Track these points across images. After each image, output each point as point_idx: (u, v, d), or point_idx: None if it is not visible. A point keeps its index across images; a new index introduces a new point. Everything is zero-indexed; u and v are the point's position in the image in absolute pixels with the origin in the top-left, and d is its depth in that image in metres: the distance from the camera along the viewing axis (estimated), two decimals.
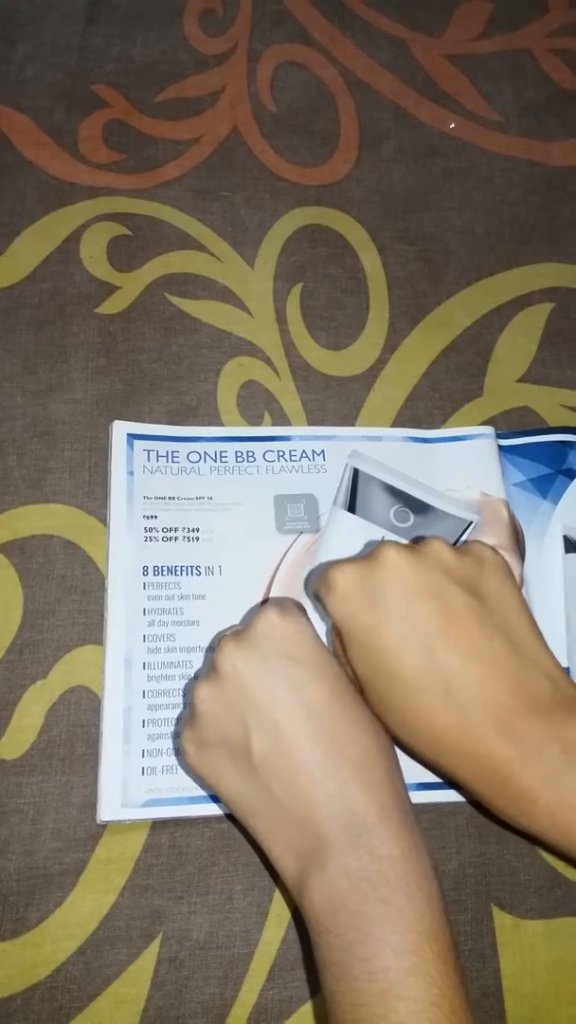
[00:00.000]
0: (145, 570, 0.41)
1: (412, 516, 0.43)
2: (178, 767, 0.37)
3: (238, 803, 0.32)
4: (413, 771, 0.35)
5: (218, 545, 0.42)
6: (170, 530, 0.42)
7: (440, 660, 0.31)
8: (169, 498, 0.43)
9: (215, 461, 0.44)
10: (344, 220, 0.52)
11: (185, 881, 0.37)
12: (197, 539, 0.42)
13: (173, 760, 0.38)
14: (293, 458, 0.45)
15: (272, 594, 0.41)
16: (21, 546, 0.42)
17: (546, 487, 0.45)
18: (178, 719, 0.38)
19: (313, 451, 0.45)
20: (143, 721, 0.38)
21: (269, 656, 0.32)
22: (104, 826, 0.37)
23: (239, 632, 0.34)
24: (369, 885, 0.28)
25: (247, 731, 0.31)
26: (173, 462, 0.44)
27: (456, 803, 0.39)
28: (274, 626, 0.33)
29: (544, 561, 0.43)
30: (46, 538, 0.42)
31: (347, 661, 0.33)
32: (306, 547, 0.42)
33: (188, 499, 0.43)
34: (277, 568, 0.42)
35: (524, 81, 0.58)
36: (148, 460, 0.43)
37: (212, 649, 0.40)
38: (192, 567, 0.41)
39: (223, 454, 0.44)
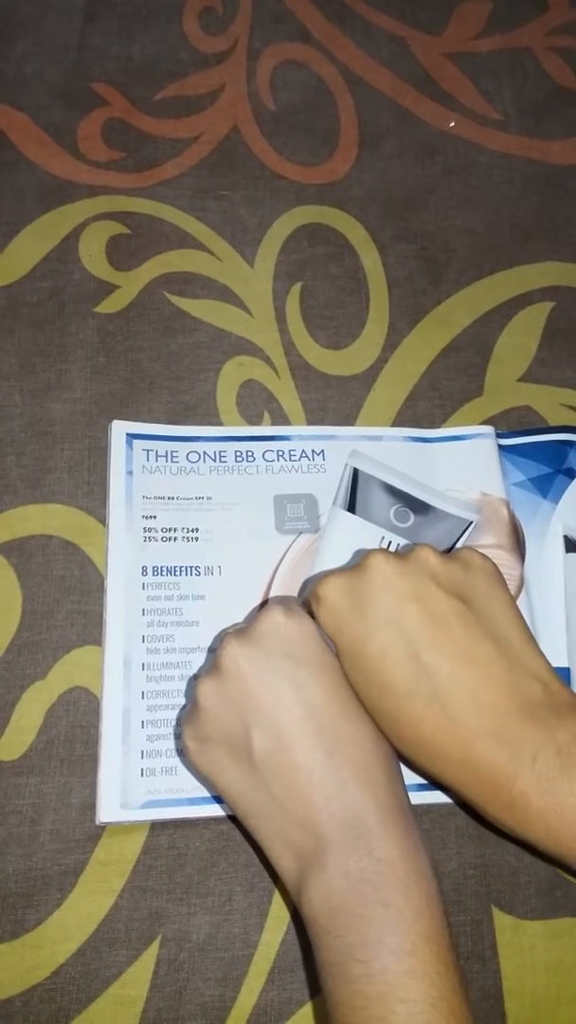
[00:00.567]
0: (144, 570, 0.41)
1: (412, 516, 0.43)
2: (177, 768, 0.37)
3: (238, 801, 0.32)
4: (413, 772, 0.35)
5: (218, 545, 0.42)
6: (169, 530, 0.42)
7: (426, 664, 0.30)
8: (168, 498, 0.43)
9: (214, 461, 0.44)
10: (344, 219, 0.52)
11: (184, 883, 0.37)
12: (196, 539, 0.42)
13: (172, 761, 0.37)
14: (293, 458, 0.44)
15: (272, 594, 0.41)
16: (20, 546, 0.42)
17: (546, 487, 0.45)
18: (179, 716, 0.38)
19: (313, 451, 0.45)
20: (142, 722, 0.38)
21: (272, 655, 0.32)
22: (103, 827, 0.37)
23: (242, 630, 0.33)
24: (368, 887, 0.28)
25: (248, 729, 0.31)
26: (172, 462, 0.44)
27: (456, 804, 0.38)
28: (278, 625, 0.33)
29: (544, 561, 0.43)
30: (45, 538, 0.42)
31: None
32: (306, 547, 0.42)
33: (187, 499, 0.43)
34: (277, 568, 0.42)
35: (524, 79, 0.58)
36: (147, 460, 0.43)
37: (214, 650, 0.40)
38: (191, 567, 0.41)
39: (222, 454, 0.44)
